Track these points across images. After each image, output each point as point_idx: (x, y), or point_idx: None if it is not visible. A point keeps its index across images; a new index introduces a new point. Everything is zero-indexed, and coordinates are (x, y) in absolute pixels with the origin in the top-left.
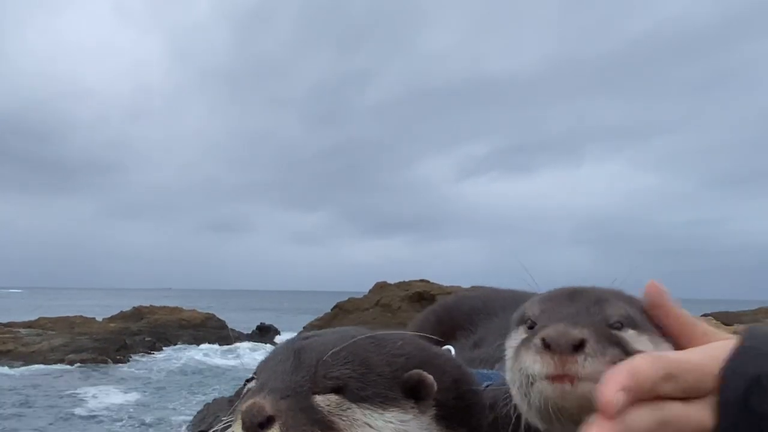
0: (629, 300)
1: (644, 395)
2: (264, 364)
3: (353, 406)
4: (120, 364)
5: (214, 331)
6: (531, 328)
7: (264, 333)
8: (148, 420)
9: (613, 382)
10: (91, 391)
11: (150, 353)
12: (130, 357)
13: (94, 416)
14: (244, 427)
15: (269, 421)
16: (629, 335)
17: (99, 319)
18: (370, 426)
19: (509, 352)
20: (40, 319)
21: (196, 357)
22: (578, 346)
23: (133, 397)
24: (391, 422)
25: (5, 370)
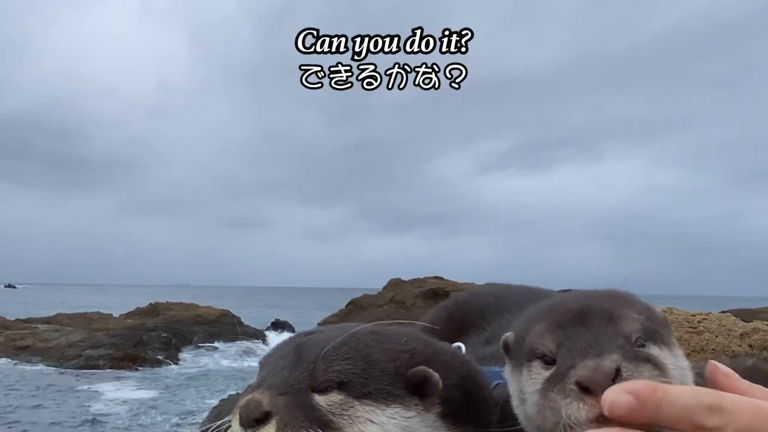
0: (636, 307)
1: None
2: (266, 360)
3: (355, 402)
4: (135, 362)
5: (229, 328)
6: (549, 363)
7: (279, 329)
8: (161, 417)
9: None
10: (106, 387)
11: (167, 362)
12: (147, 353)
13: (109, 412)
14: (241, 422)
15: (266, 416)
16: (653, 351)
17: (116, 315)
18: (373, 422)
19: (530, 393)
20: (58, 315)
21: (215, 356)
22: (615, 377)
23: (148, 394)
24: (393, 418)
25: (24, 365)
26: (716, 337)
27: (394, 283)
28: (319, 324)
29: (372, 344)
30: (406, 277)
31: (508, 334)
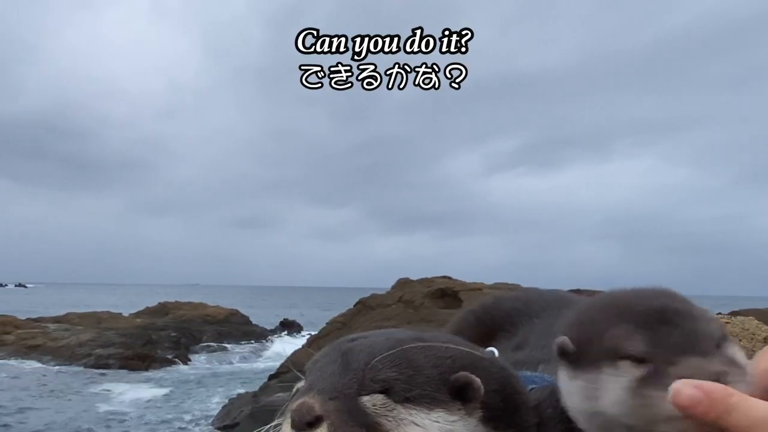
0: (699, 311)
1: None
2: (312, 365)
3: (401, 407)
4: (145, 361)
5: (238, 327)
6: (639, 361)
7: (287, 328)
8: (171, 415)
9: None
10: (117, 386)
11: (177, 362)
12: (157, 352)
13: (119, 411)
14: (294, 425)
15: (318, 420)
16: (733, 351)
17: (125, 314)
18: (417, 424)
19: (615, 391)
20: (68, 314)
21: (223, 356)
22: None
23: (159, 393)
24: (437, 422)
25: (35, 364)
26: (740, 340)
27: (403, 283)
28: (328, 324)
29: (416, 351)
30: (414, 277)
31: (563, 339)
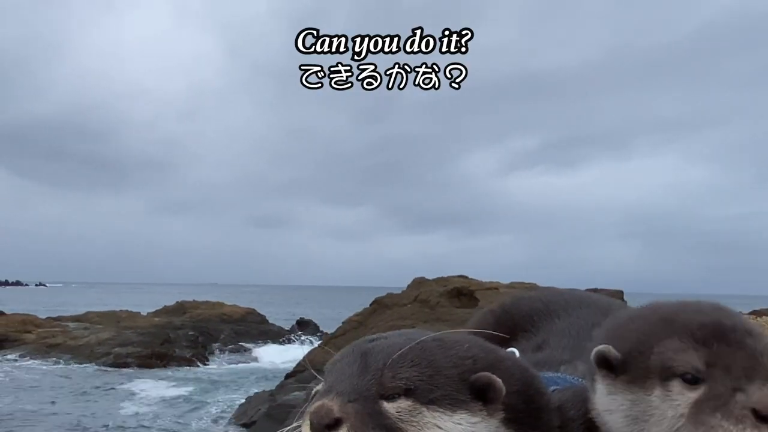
0: (756, 329)
1: None
2: (332, 366)
3: (423, 409)
4: (163, 359)
5: (255, 326)
6: (692, 382)
7: (303, 328)
8: (191, 413)
9: None
10: (137, 385)
11: (194, 360)
12: (175, 351)
13: (139, 409)
14: (312, 428)
15: (337, 423)
16: None
17: (144, 313)
18: (440, 428)
19: (664, 413)
20: (87, 313)
21: (240, 354)
22: None
23: (178, 391)
24: (460, 424)
25: (54, 362)
26: None
27: (418, 282)
28: (344, 323)
29: (436, 351)
30: (430, 276)
31: (607, 347)
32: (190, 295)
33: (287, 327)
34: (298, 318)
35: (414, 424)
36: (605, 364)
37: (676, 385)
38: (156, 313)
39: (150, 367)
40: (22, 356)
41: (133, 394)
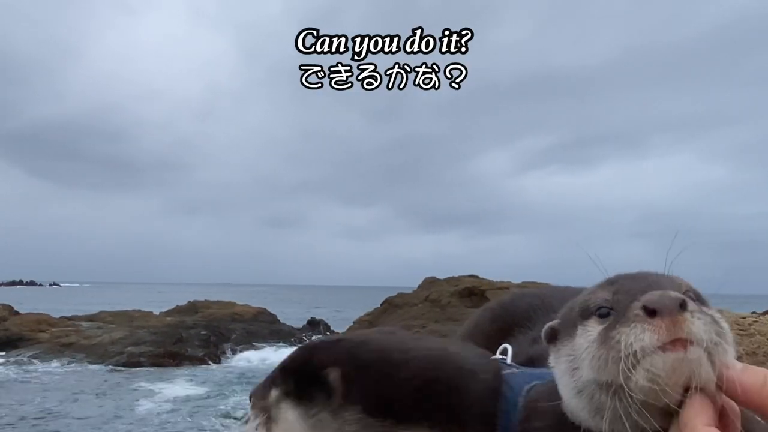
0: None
1: None
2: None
3: None
4: (175, 359)
5: (266, 326)
6: (605, 316)
7: (315, 327)
8: (200, 412)
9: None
10: (151, 385)
11: (206, 360)
12: (187, 350)
13: (151, 410)
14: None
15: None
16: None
17: (156, 313)
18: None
19: (584, 347)
20: (101, 313)
21: (251, 354)
22: (682, 306)
23: (190, 391)
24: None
25: (68, 361)
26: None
27: (429, 282)
28: (355, 323)
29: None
30: (442, 276)
31: (552, 322)
32: (203, 294)
33: (298, 327)
34: (310, 318)
35: None
36: (552, 339)
37: (592, 321)
38: (168, 313)
39: (162, 366)
40: (36, 355)
41: (146, 393)
